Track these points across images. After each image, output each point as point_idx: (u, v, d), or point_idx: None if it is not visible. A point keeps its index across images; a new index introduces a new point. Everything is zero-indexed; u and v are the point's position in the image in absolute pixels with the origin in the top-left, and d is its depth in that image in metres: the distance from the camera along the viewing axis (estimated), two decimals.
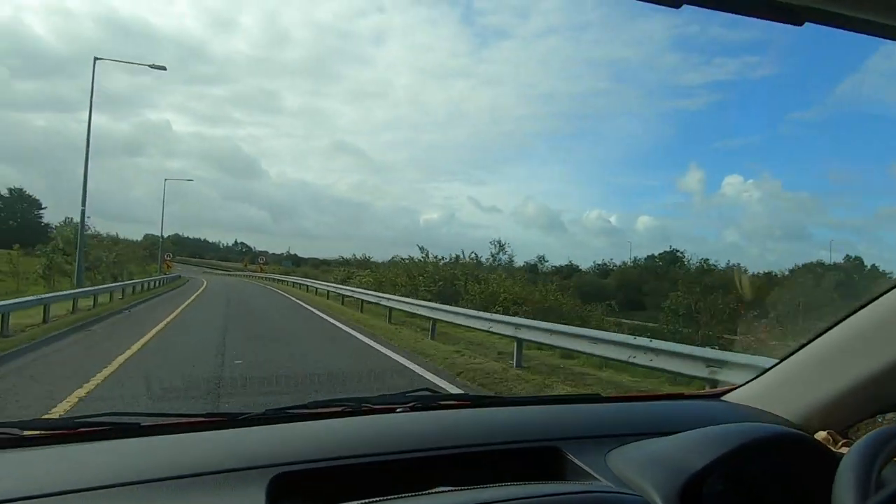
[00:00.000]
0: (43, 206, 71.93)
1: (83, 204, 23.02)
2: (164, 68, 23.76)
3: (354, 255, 39.56)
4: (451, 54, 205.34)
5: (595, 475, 1.14)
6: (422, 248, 22.07)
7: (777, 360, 1.56)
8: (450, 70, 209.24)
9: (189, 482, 1.00)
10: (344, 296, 20.97)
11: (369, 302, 17.13)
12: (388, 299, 15.14)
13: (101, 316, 14.51)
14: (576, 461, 1.19)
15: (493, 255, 21.78)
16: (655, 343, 6.35)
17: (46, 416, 3.83)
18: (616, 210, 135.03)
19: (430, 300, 14.85)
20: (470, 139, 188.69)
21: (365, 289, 20.74)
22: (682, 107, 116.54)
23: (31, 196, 72.40)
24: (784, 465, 1.13)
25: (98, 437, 1.17)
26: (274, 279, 45.56)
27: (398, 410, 1.37)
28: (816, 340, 1.43)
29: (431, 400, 1.51)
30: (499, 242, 22.15)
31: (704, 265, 45.67)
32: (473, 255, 21.79)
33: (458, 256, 20.76)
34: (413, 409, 1.39)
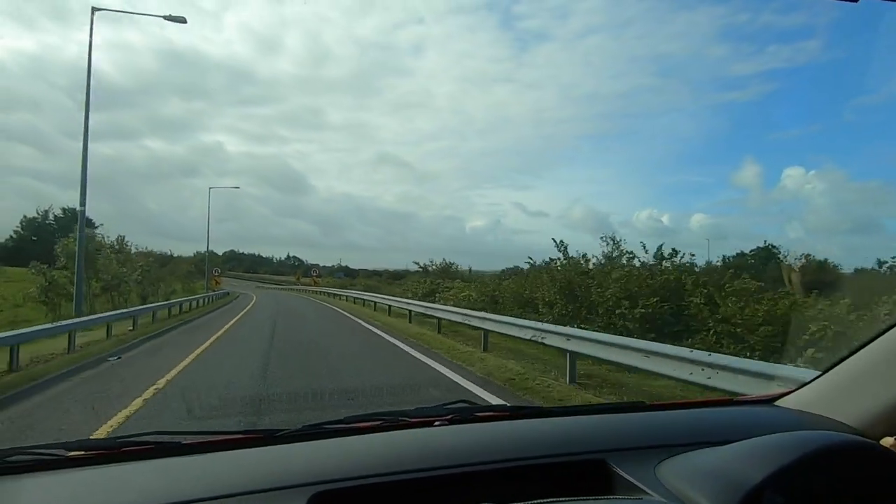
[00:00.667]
0: (97, 226, 70.88)
1: (82, 203, 17.32)
2: (183, 20, 17.89)
3: (432, 261, 32.28)
4: (491, 60, 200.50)
5: (645, 489, 1.07)
6: (560, 244, 14.04)
7: (833, 362, 1.43)
8: (490, 76, 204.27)
9: (230, 502, 0.99)
10: (439, 319, 14.08)
11: (500, 333, 10.24)
12: (583, 339, 7.36)
13: (58, 375, 8.28)
14: (623, 474, 1.12)
15: (606, 256, 14.28)
16: None
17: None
18: (668, 209, 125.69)
19: (626, 332, 7.73)
20: (513, 144, 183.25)
21: (469, 308, 13.90)
22: (733, 99, 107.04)
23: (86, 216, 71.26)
24: (851, 474, 1.02)
25: (141, 457, 1.17)
26: (329, 293, 39.27)
27: (436, 424, 1.35)
28: (877, 340, 1.33)
29: (470, 412, 1.47)
30: (612, 239, 13.89)
31: (807, 261, 37.01)
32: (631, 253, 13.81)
33: (663, 255, 12.61)
34: (451, 421, 1.37)
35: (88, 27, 16.56)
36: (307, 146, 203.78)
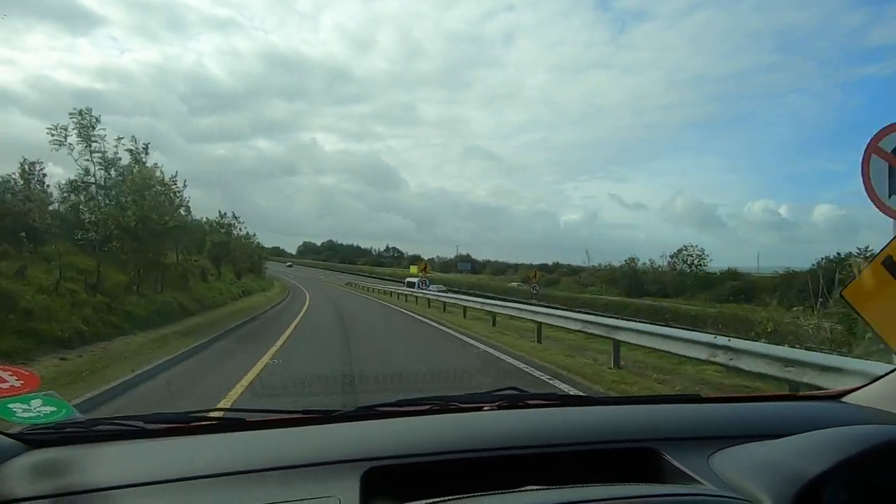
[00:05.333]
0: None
1: None
2: None
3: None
4: (585, 45, 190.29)
5: (697, 478, 1.05)
6: None
7: None
8: (585, 63, 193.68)
9: (289, 473, 1.05)
10: None
11: None
12: None
13: None
14: (675, 463, 1.11)
15: None
16: None
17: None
18: (786, 200, 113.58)
19: None
20: (609, 134, 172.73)
21: None
22: (871, 73, 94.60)
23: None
24: None
25: (208, 431, 1.28)
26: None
27: (485, 409, 1.38)
28: None
29: (518, 399, 1.49)
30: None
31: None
32: None
33: None
34: (500, 407, 1.40)
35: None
36: (400, 142, 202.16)
